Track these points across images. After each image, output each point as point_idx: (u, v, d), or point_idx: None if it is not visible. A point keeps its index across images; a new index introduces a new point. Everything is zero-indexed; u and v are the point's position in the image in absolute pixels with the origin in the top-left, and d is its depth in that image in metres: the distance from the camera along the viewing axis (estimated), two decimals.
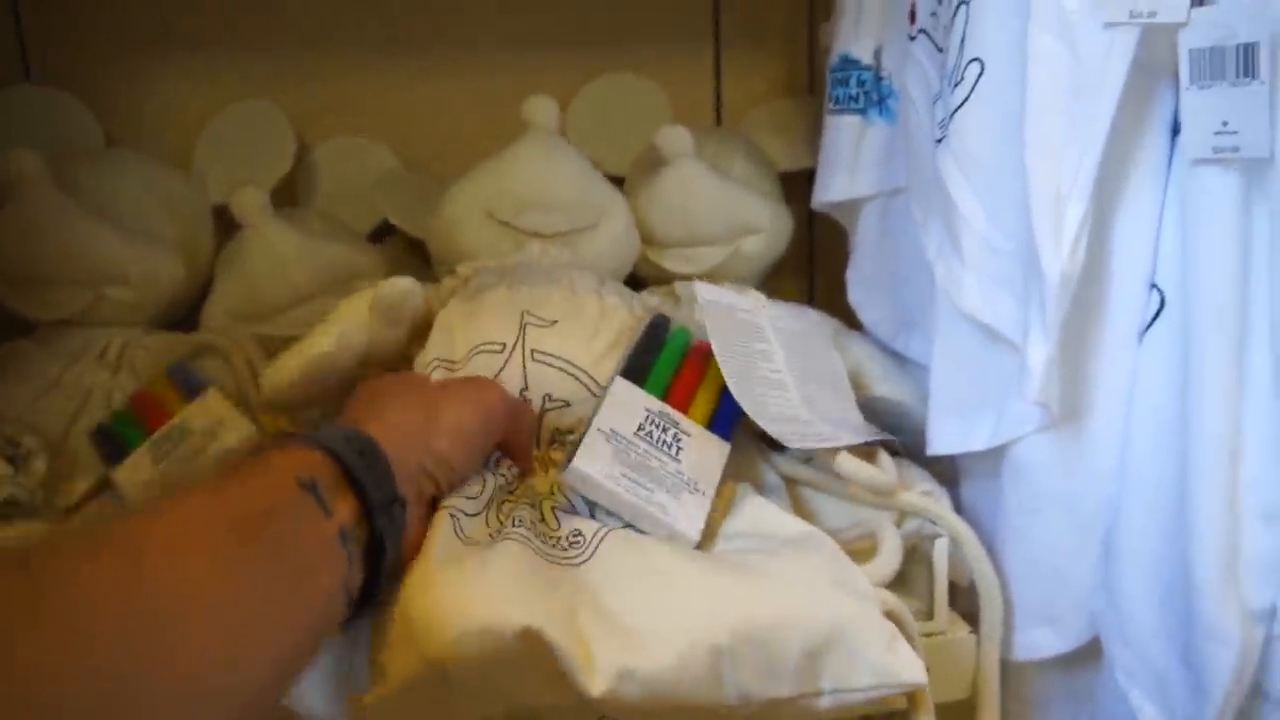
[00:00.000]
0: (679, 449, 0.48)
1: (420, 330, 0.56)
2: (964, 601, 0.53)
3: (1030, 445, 0.50)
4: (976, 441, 0.53)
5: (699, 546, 0.45)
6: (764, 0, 0.84)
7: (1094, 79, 0.43)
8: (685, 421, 0.50)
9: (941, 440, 0.55)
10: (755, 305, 0.59)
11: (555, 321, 0.54)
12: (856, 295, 0.69)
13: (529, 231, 0.62)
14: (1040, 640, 0.52)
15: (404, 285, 0.53)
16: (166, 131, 0.75)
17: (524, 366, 0.52)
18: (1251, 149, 0.41)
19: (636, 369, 0.51)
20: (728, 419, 0.51)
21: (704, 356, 0.53)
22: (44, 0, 0.73)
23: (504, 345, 0.52)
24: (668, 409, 0.50)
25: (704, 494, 0.47)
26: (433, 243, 0.66)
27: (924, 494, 0.54)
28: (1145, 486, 0.47)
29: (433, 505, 0.43)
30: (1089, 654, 0.51)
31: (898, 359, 0.66)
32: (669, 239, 0.70)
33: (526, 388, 0.51)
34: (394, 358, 0.56)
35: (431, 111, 0.79)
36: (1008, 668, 0.53)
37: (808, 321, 0.62)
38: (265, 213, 0.66)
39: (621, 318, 0.56)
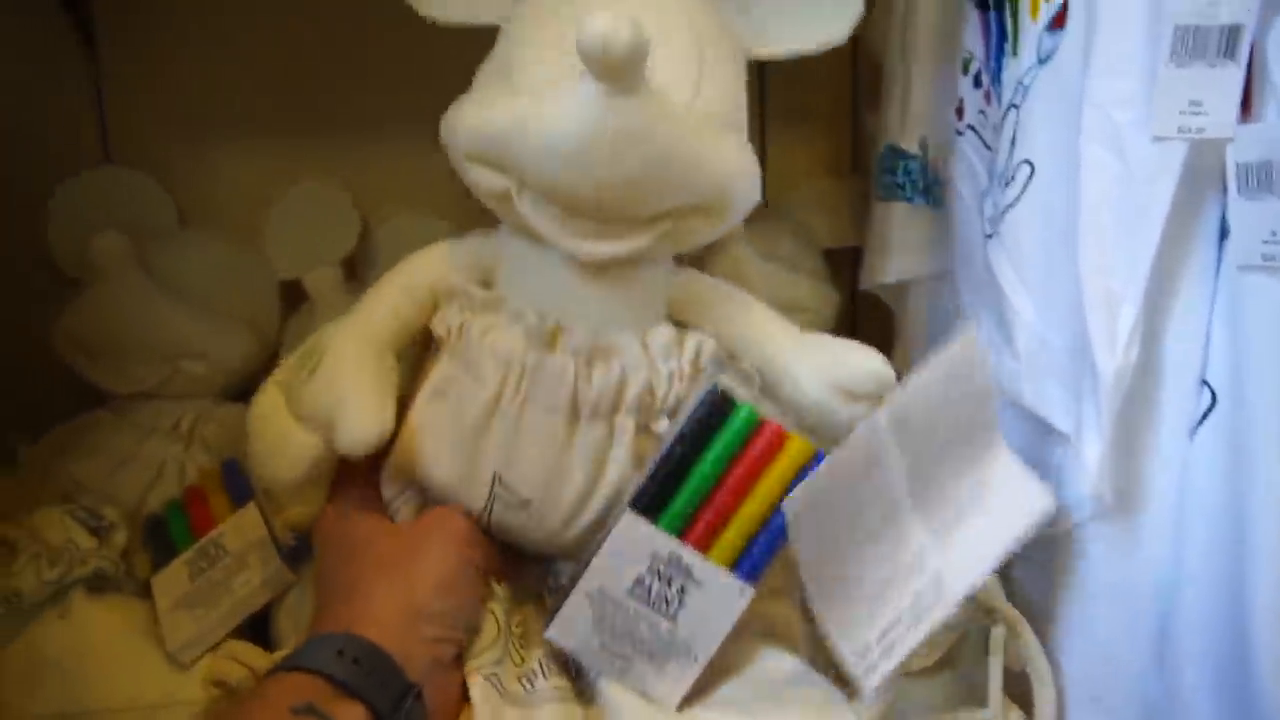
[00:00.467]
0: (680, 605, 0.43)
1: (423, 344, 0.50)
2: (1013, 684, 0.54)
3: (1083, 533, 0.52)
4: None
5: (681, 707, 0.44)
6: (808, 83, 0.86)
7: (1144, 188, 0.45)
8: (701, 566, 0.43)
9: None
10: (869, 432, 0.45)
11: (527, 502, 0.45)
12: (903, 375, 0.70)
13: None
14: None
15: (357, 438, 0.43)
16: (235, 210, 0.78)
17: (490, 532, 0.47)
18: None
19: (658, 484, 0.44)
20: (767, 550, 0.44)
21: (774, 441, 0.44)
22: (125, 84, 0.77)
23: (470, 512, 0.46)
24: (682, 550, 0.43)
25: (696, 660, 0.43)
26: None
27: None
28: (1201, 578, 0.48)
29: (458, 658, 0.43)
30: None
31: None
32: None
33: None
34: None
35: None
36: None
37: (949, 361, 0.48)
38: (338, 291, 0.69)
39: (623, 465, 0.45)
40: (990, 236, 0.54)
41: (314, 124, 0.80)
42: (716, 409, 0.44)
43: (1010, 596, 0.54)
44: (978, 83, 0.58)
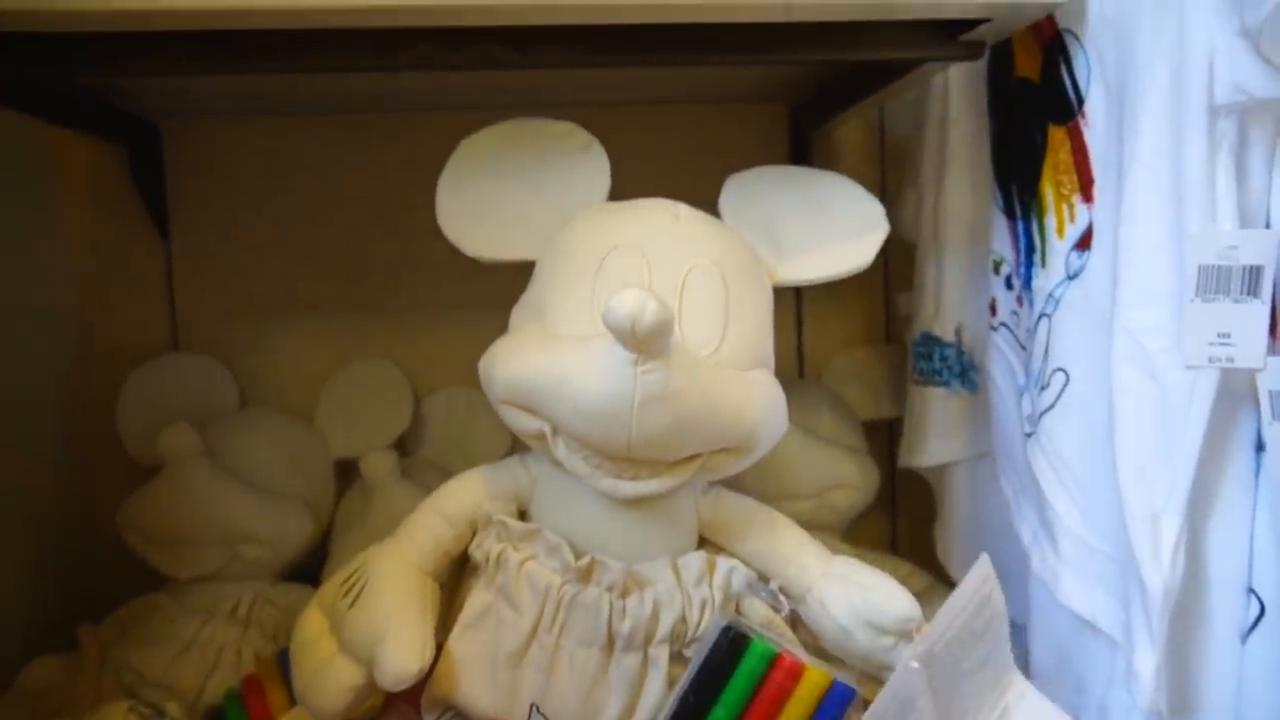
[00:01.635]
0: None
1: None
2: None
3: None
4: None
5: None
6: None
7: (1180, 409, 0.47)
8: None
9: None
10: (905, 672, 0.44)
11: None
12: (944, 552, 0.71)
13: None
14: None
15: (399, 674, 0.44)
16: (294, 390, 0.82)
17: None
18: None
19: (687, 717, 0.43)
20: None
21: (786, 677, 0.45)
22: (193, 274, 0.82)
23: None
24: None
25: None
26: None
27: None
28: None
29: None
30: None
31: None
32: (760, 495, 0.74)
33: None
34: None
35: None
36: None
37: (969, 594, 0.47)
38: (394, 475, 0.71)
39: (658, 700, 0.46)
40: (1029, 435, 0.56)
41: (366, 306, 0.84)
42: (730, 649, 0.45)
43: None
44: (1009, 285, 0.60)
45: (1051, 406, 0.54)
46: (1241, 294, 0.44)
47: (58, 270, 0.78)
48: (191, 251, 0.82)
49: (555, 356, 0.44)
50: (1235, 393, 0.48)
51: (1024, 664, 0.58)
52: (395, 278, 0.84)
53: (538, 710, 0.46)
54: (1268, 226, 0.45)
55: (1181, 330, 0.45)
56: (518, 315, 0.51)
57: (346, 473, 0.79)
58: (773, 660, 0.45)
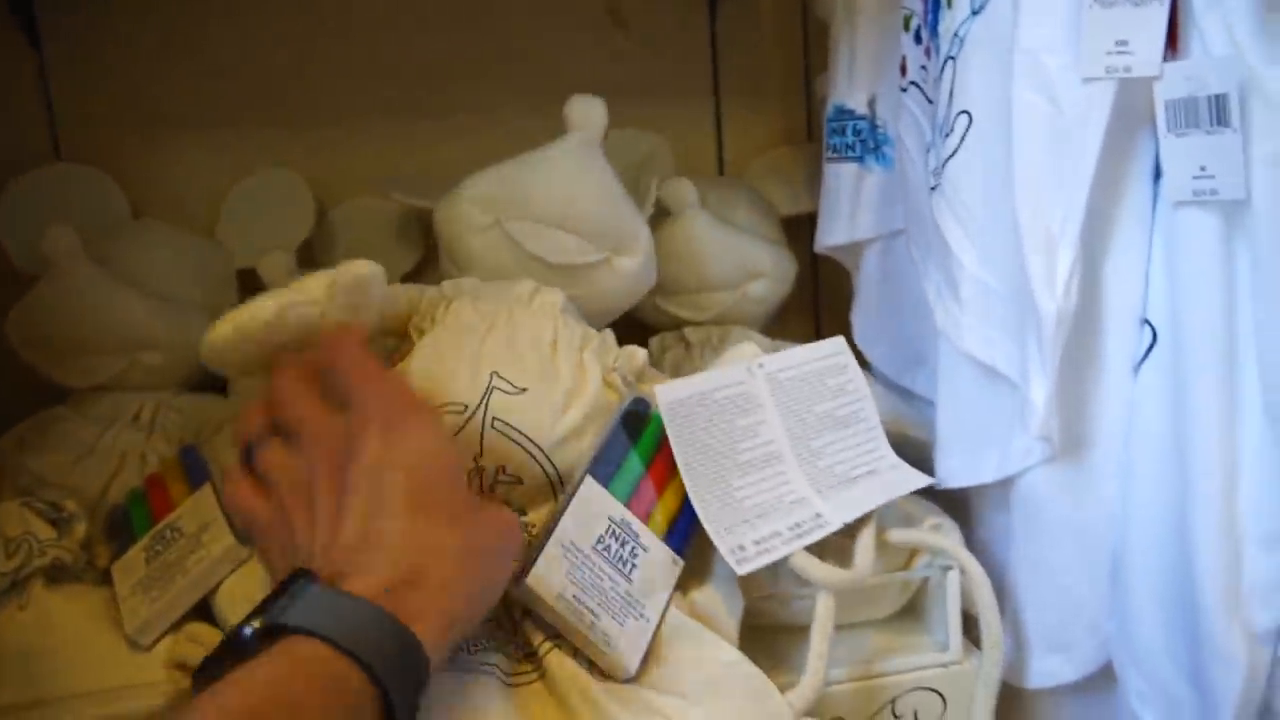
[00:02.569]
0: (633, 566, 0.46)
1: (396, 327, 0.54)
2: (974, 628, 0.55)
3: (1036, 477, 0.52)
4: (984, 475, 0.55)
5: (635, 677, 0.45)
6: (761, 54, 0.87)
7: (1076, 130, 0.45)
8: (645, 534, 0.48)
9: (949, 474, 0.56)
10: (747, 371, 0.53)
11: (524, 390, 0.49)
12: (862, 335, 0.71)
13: (535, 257, 0.59)
14: (1053, 668, 0.54)
15: (361, 270, 0.47)
16: (190, 201, 0.79)
17: (482, 433, 0.48)
18: (1229, 191, 0.43)
19: (606, 463, 0.48)
20: (686, 530, 0.49)
21: None
22: (72, 82, 0.77)
23: (466, 407, 0.48)
24: (630, 518, 0.47)
25: (648, 620, 0.46)
26: (439, 236, 0.64)
27: (933, 527, 0.55)
28: (1148, 513, 0.49)
29: None
30: (1102, 680, 0.53)
31: (902, 394, 0.68)
32: (677, 286, 0.73)
33: (481, 455, 0.48)
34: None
35: (447, 173, 0.82)
36: (1022, 696, 0.55)
37: (820, 357, 0.56)
38: (293, 276, 0.68)
39: (597, 391, 0.51)
40: (934, 189, 0.55)
41: (267, 112, 0.80)
42: (638, 414, 0.51)
43: (969, 544, 0.54)
44: (918, 39, 0.58)
45: (955, 152, 0.52)
46: None
47: None
48: (69, 57, 0.77)
49: None
50: (1134, 116, 0.46)
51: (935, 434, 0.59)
52: (299, 82, 0.80)
53: (497, 374, 0.49)
54: None
55: (1079, 40, 0.44)
56: None
57: (251, 288, 0.76)
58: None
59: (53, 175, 0.75)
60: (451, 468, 0.41)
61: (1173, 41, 0.44)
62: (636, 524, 0.47)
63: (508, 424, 0.48)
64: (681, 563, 0.48)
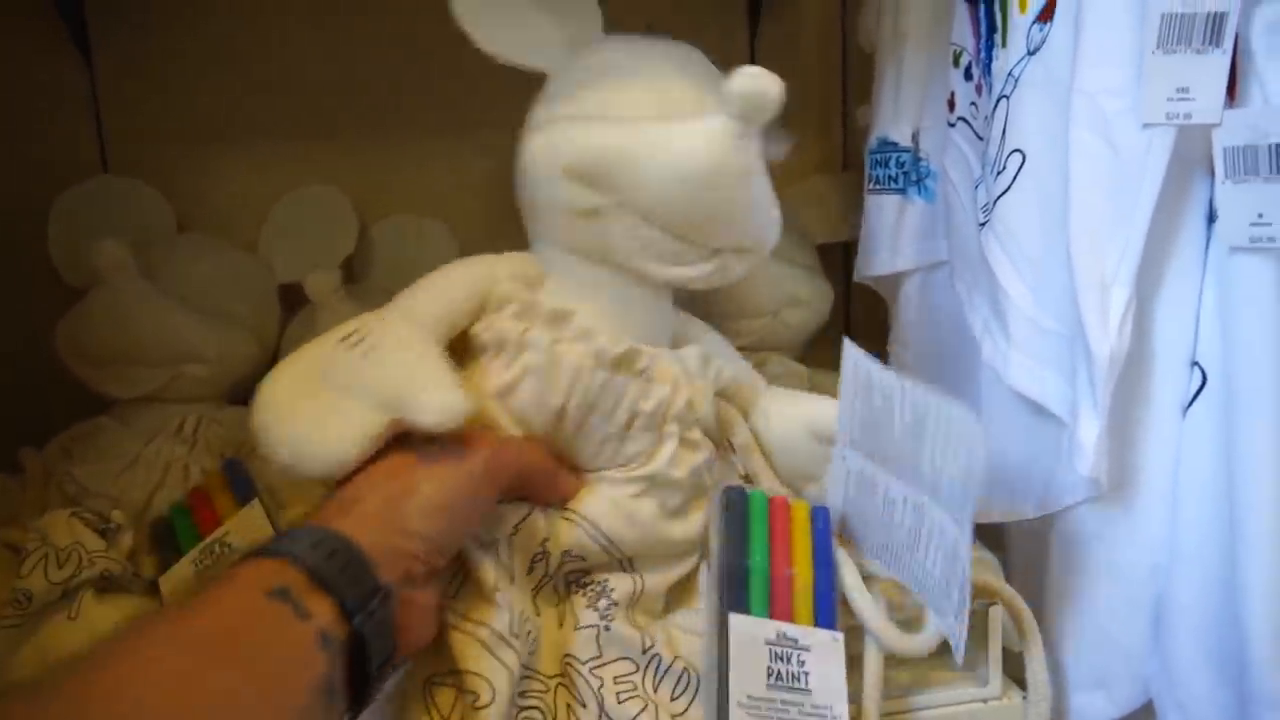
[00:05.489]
0: (805, 674, 0.44)
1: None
2: (1014, 665, 0.55)
3: (1079, 514, 0.52)
4: (1026, 510, 0.55)
5: None
6: (800, 81, 0.87)
7: (1134, 174, 0.46)
8: (800, 632, 0.45)
9: (990, 508, 0.57)
10: (843, 458, 0.50)
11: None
12: (899, 365, 0.71)
13: (645, 275, 0.47)
14: (1093, 705, 0.54)
15: (448, 408, 0.41)
16: (234, 216, 0.79)
17: (547, 517, 0.45)
18: None
19: (735, 584, 0.46)
20: (828, 591, 0.47)
21: (783, 512, 0.49)
22: (121, 97, 0.78)
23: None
24: (784, 628, 0.45)
25: (840, 714, 0.44)
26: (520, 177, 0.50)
27: (976, 561, 0.56)
28: (1196, 557, 0.49)
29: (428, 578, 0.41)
30: (1145, 717, 0.53)
31: None
32: (715, 312, 0.73)
33: (548, 539, 0.45)
34: None
35: (486, 189, 0.83)
36: None
37: (855, 388, 0.51)
38: (338, 294, 0.69)
39: (664, 466, 0.47)
40: (984, 224, 0.55)
41: (311, 129, 0.81)
42: (738, 506, 0.49)
43: (1010, 578, 0.54)
44: (968, 75, 0.59)
45: (1007, 190, 0.53)
46: (1203, 44, 0.43)
47: None
48: (118, 70, 0.78)
49: (643, 130, 0.44)
50: (1189, 160, 0.47)
51: None
52: (342, 98, 0.81)
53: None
54: None
55: (1140, 85, 0.44)
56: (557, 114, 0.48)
57: (293, 302, 0.77)
58: (769, 502, 0.49)
59: (101, 188, 0.76)
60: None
61: (1231, 88, 0.44)
62: (789, 629, 0.45)
63: (575, 510, 0.46)
64: (841, 635, 0.46)
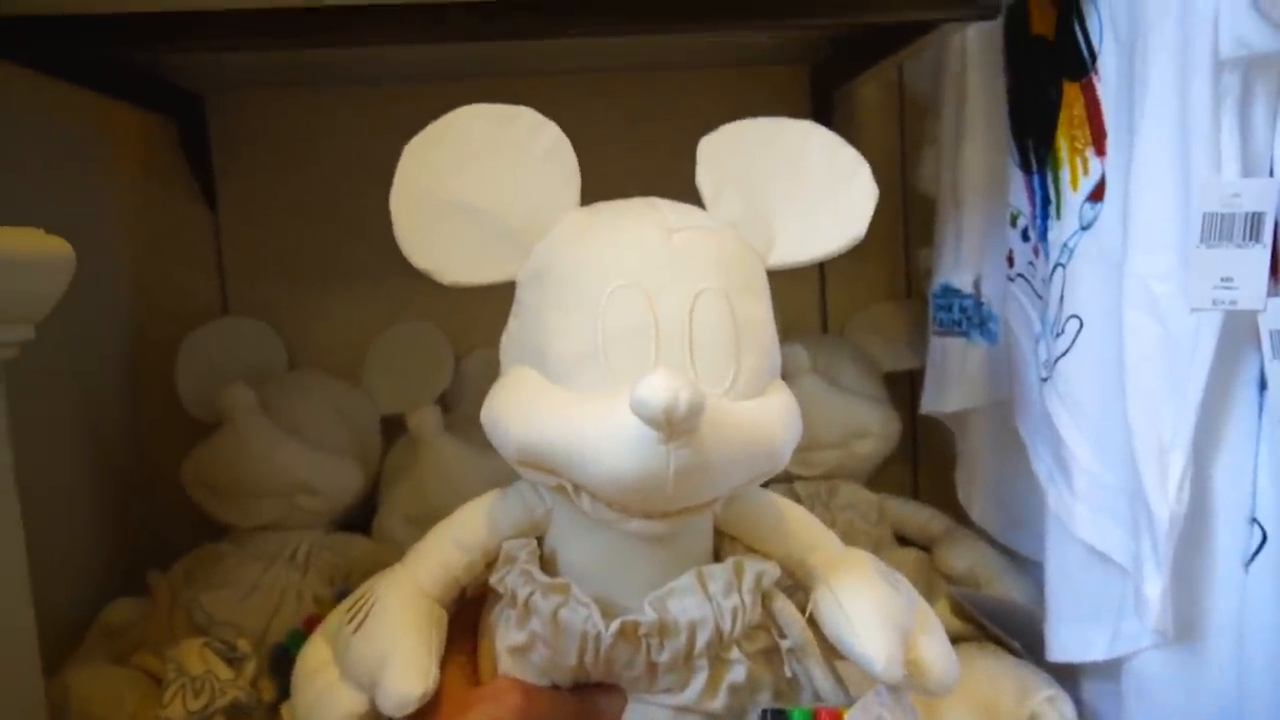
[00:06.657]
0: None
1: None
2: None
3: (1149, 659, 0.55)
4: (1094, 653, 0.57)
5: None
6: None
7: (1185, 351, 0.49)
8: None
9: (1061, 648, 0.59)
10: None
11: None
12: (965, 495, 0.74)
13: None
14: None
15: (400, 700, 0.42)
16: (338, 351, 0.86)
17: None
18: None
19: None
20: None
21: None
22: (240, 244, 0.86)
23: None
24: None
25: None
26: None
27: (1048, 699, 0.58)
28: (1263, 705, 0.51)
29: None
30: None
31: (1010, 557, 0.72)
32: None
33: None
34: None
35: None
36: None
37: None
38: (439, 429, 0.75)
39: (700, 693, 0.45)
40: (1045, 380, 0.59)
41: (405, 267, 0.87)
42: None
43: (1082, 718, 0.57)
44: (1025, 237, 0.63)
45: (1066, 352, 0.57)
46: (1244, 240, 0.46)
47: (110, 239, 0.82)
48: (238, 219, 0.86)
49: (576, 426, 0.40)
50: (1239, 333, 0.50)
51: (1040, 598, 0.62)
52: None
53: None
54: (1271, 175, 0.47)
55: (1187, 276, 0.48)
56: (509, 351, 0.47)
57: (391, 429, 0.83)
58: (813, 718, 0.46)
59: (224, 328, 0.83)
60: None
61: (1275, 273, 0.48)
62: None
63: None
64: None
